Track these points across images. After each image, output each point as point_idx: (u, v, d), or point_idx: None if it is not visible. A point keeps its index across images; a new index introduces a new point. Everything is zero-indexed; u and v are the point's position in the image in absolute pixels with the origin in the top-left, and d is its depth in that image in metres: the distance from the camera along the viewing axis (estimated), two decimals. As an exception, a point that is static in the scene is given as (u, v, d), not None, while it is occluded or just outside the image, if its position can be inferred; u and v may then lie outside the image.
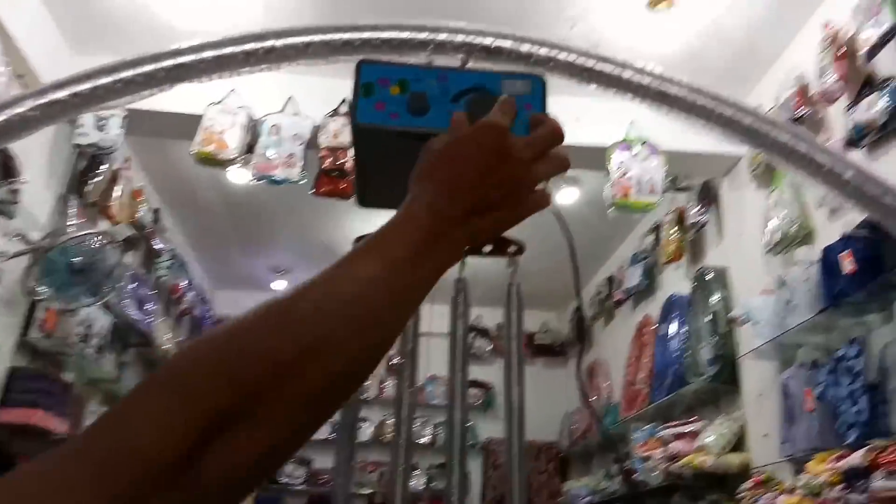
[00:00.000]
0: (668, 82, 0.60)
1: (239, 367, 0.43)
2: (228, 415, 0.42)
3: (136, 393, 0.44)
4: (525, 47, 0.60)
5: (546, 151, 0.58)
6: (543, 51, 0.61)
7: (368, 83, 0.62)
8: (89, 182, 3.43)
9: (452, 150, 0.56)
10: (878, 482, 2.08)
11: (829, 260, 2.61)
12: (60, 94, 0.53)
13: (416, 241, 0.52)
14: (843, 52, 2.68)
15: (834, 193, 0.59)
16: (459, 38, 0.61)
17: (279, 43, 0.55)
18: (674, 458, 3.50)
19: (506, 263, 0.78)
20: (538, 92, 0.63)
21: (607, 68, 0.60)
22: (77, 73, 0.53)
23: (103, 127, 3.20)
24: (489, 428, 6.11)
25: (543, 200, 0.58)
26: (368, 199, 0.75)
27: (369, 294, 0.49)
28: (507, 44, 0.61)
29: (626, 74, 0.60)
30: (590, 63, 0.60)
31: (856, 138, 2.57)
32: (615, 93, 0.65)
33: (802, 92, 2.92)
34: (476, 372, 5.80)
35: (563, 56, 0.60)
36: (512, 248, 0.69)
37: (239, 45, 0.54)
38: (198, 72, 0.54)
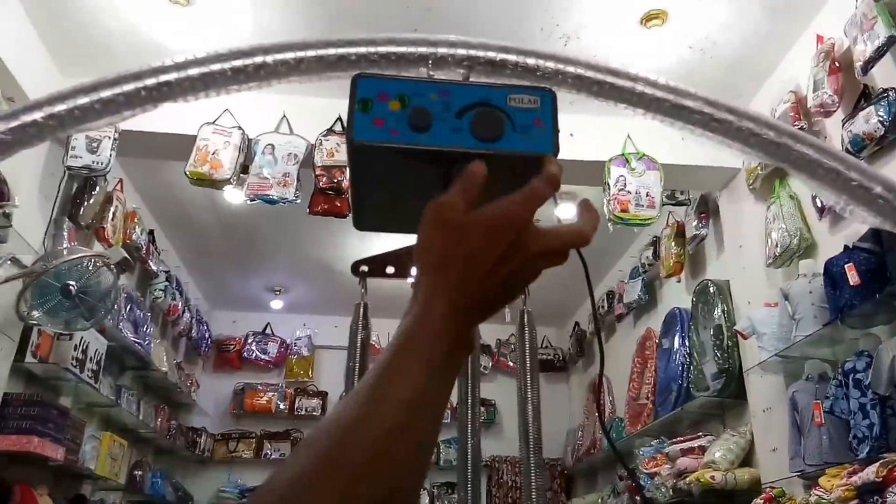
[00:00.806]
0: (684, 95, 0.56)
1: None
2: None
3: None
4: (531, 61, 0.57)
5: (564, 247, 0.54)
6: (550, 64, 0.57)
7: (366, 98, 0.58)
8: (82, 204, 3.40)
9: (473, 234, 0.51)
10: (895, 497, 2.03)
11: (832, 272, 2.58)
12: (35, 115, 0.49)
13: (446, 348, 0.49)
14: (838, 65, 2.67)
15: (862, 210, 0.56)
16: (461, 51, 0.57)
17: (269, 59, 0.51)
18: (681, 474, 3.45)
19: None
20: (548, 106, 0.59)
21: (619, 81, 0.56)
22: (52, 94, 0.49)
23: (96, 149, 3.17)
24: (492, 445, 6.04)
25: (535, 275, 0.55)
26: (366, 222, 0.71)
27: (417, 417, 0.47)
28: (512, 57, 0.57)
29: (639, 87, 0.56)
30: (600, 76, 0.56)
31: (854, 150, 2.55)
32: (626, 107, 0.61)
33: (798, 105, 2.91)
34: (477, 389, 5.74)
35: (571, 69, 0.57)
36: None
37: (226, 61, 0.50)
38: (183, 90, 0.50)
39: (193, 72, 0.50)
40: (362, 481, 0.43)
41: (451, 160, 0.57)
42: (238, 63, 0.51)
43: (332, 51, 0.54)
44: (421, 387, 0.47)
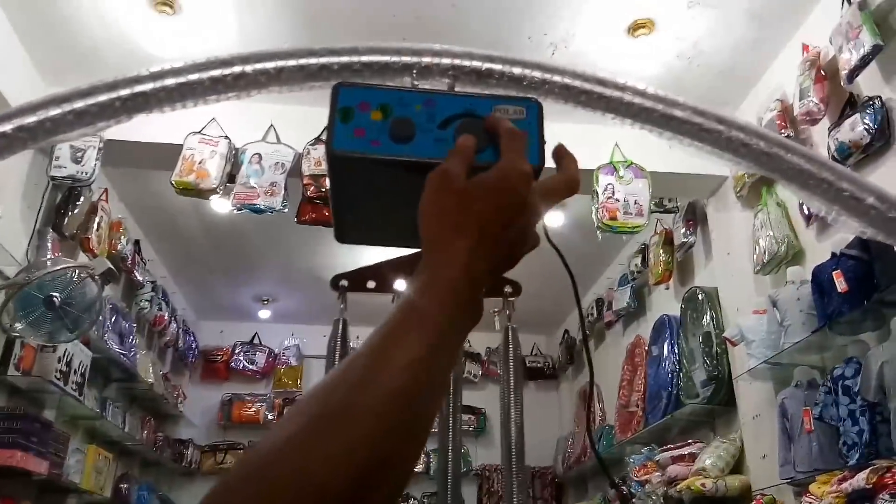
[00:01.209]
0: (673, 105, 0.55)
1: None
2: None
3: None
4: (517, 70, 0.56)
5: (559, 200, 0.56)
6: (537, 73, 0.56)
7: (346, 107, 0.57)
8: (67, 215, 3.36)
9: (480, 196, 0.51)
10: (885, 505, 2.03)
11: (820, 279, 2.58)
12: (4, 127, 0.48)
13: (457, 311, 0.48)
14: (824, 73, 2.69)
15: (854, 220, 0.55)
16: (446, 60, 0.56)
17: (249, 69, 0.50)
18: (672, 481, 3.44)
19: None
20: (534, 117, 0.58)
21: (607, 91, 0.55)
22: (23, 105, 0.48)
23: (80, 159, 3.13)
24: (482, 454, 6.02)
25: (536, 240, 0.55)
26: (347, 234, 0.69)
27: (420, 383, 0.45)
28: (497, 66, 0.56)
29: (627, 97, 0.55)
30: (587, 86, 0.55)
31: (840, 158, 2.57)
32: (613, 118, 0.60)
33: (785, 113, 2.92)
34: (467, 397, 5.71)
35: (558, 79, 0.56)
36: (508, 289, 0.64)
37: (204, 71, 0.49)
38: (159, 101, 0.49)
39: (170, 82, 0.48)
40: (359, 444, 0.41)
41: None
42: (216, 73, 0.49)
43: (313, 60, 0.53)
44: (427, 352, 0.45)
